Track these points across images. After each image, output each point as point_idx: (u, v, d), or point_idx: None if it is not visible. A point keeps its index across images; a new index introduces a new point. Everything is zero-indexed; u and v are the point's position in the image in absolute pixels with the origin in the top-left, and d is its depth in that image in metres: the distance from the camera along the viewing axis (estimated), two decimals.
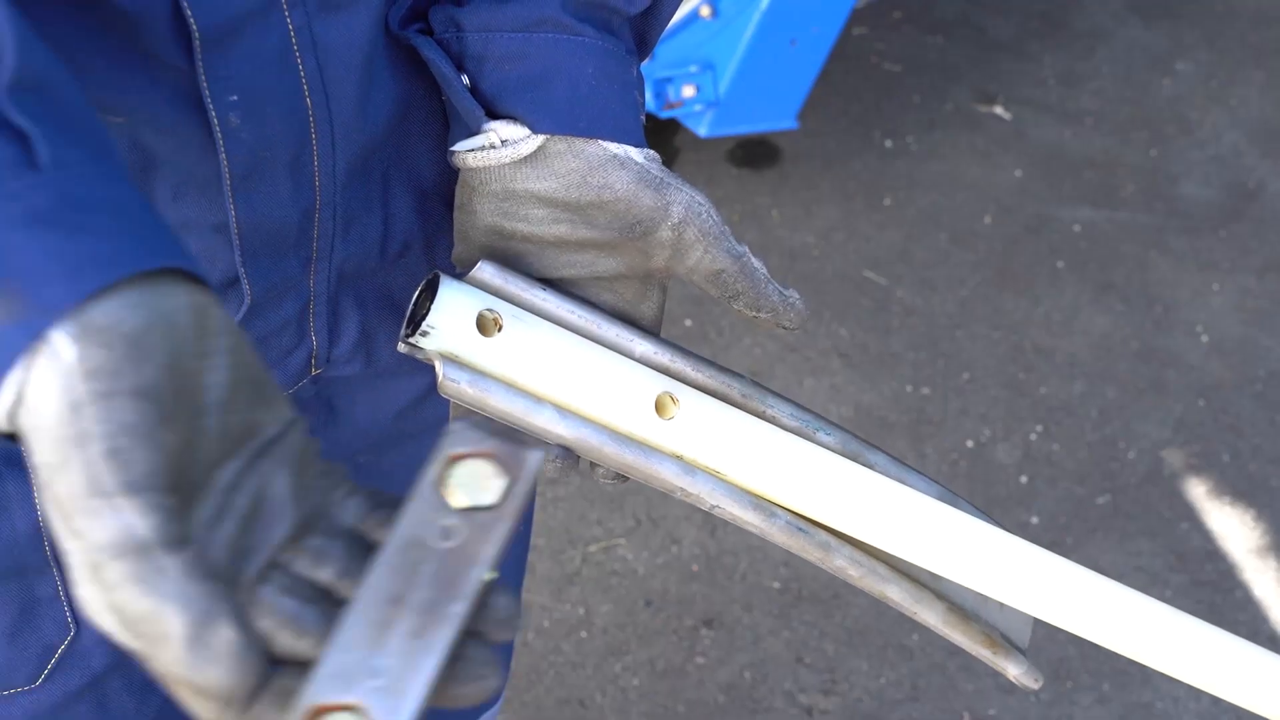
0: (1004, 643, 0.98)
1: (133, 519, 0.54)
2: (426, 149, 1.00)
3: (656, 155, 0.92)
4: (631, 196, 0.88)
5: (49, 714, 0.97)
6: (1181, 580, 2.45)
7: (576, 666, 2.28)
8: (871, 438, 2.64)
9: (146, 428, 0.55)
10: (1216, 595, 2.44)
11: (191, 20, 0.79)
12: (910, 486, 0.96)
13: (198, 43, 0.80)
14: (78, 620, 0.95)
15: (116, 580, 0.54)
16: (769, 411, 0.95)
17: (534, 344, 0.89)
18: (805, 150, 3.27)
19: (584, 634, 2.32)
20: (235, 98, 0.83)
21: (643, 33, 0.96)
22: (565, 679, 2.26)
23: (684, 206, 0.90)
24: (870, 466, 0.95)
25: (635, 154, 0.89)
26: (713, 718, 2.23)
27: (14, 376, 0.55)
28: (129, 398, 0.55)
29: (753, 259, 0.92)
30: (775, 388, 2.73)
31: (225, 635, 0.54)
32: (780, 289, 0.93)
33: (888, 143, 3.31)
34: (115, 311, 0.56)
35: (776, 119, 2.90)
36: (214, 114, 0.82)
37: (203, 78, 0.81)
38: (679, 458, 0.91)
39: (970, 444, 2.65)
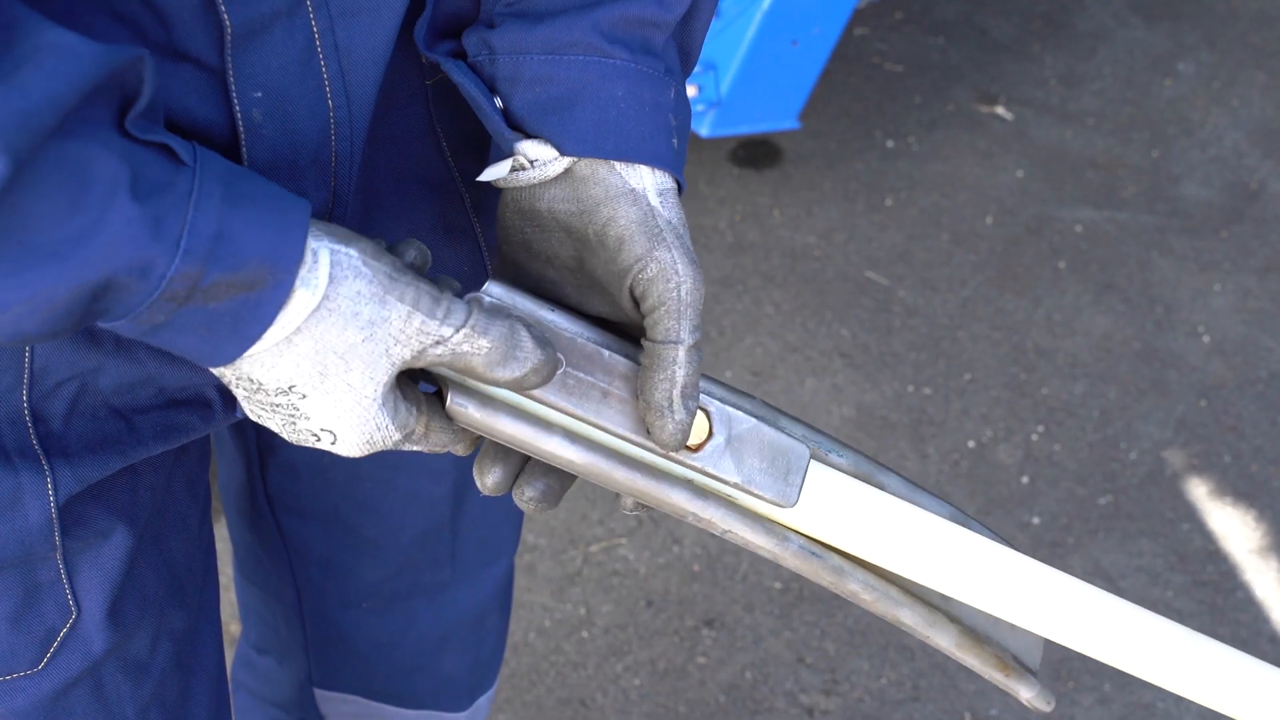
0: (1016, 665, 0.97)
1: (462, 304, 0.82)
2: (405, 131, 1.01)
3: (676, 188, 0.90)
4: (628, 237, 0.87)
5: (49, 701, 0.98)
6: (1182, 581, 2.45)
7: (578, 666, 2.28)
8: (873, 438, 2.65)
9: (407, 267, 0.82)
10: (1218, 596, 2.44)
11: (225, 15, 0.82)
12: (922, 508, 0.95)
13: (229, 38, 0.83)
14: (79, 603, 0.96)
15: (485, 325, 0.82)
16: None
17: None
18: (807, 150, 3.27)
19: (585, 634, 2.32)
20: (260, 94, 0.86)
21: (685, 44, 0.95)
22: (566, 679, 2.26)
23: (660, 266, 0.87)
24: (881, 487, 0.94)
25: (653, 194, 0.88)
26: (714, 718, 2.23)
27: (298, 301, 0.77)
28: (394, 256, 0.82)
29: (693, 364, 0.87)
30: (776, 387, 2.73)
31: (534, 329, 0.85)
32: (682, 408, 0.87)
33: (889, 143, 3.31)
34: (343, 232, 0.80)
35: (778, 119, 2.90)
36: (239, 109, 0.85)
37: (230, 73, 0.84)
38: (690, 483, 0.90)
39: (972, 444, 2.65)
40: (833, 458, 0.94)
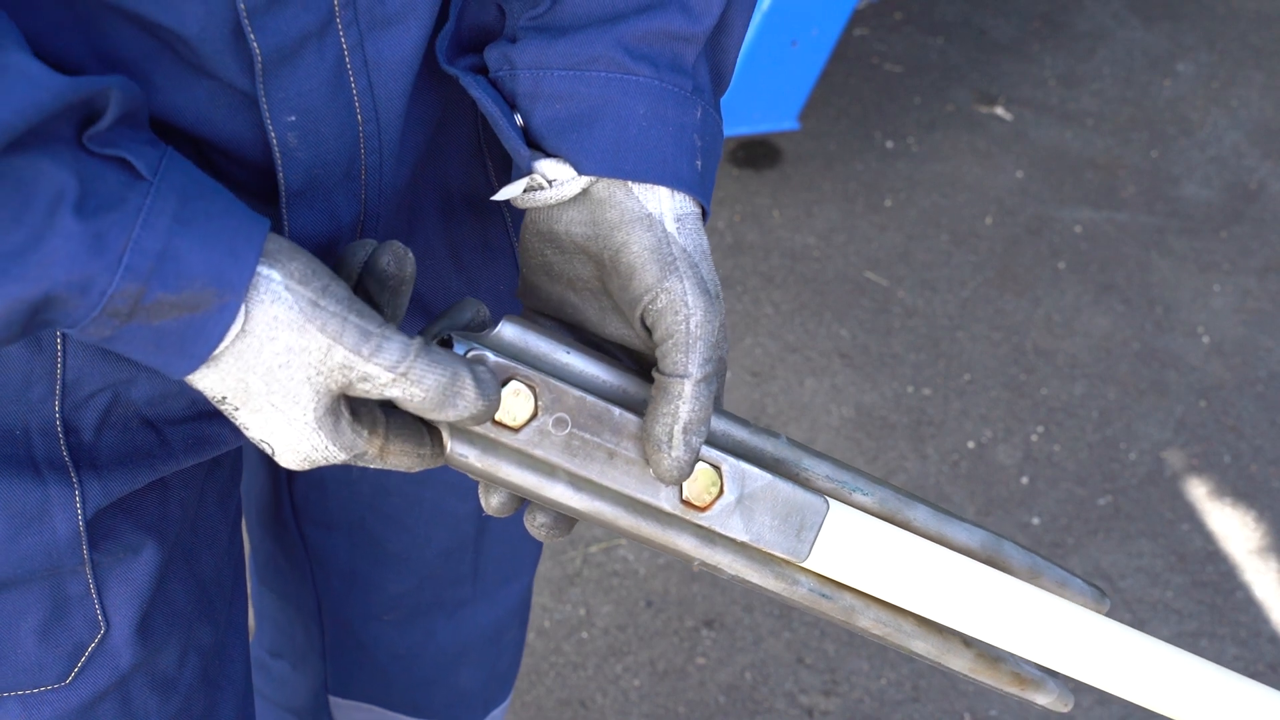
0: (1033, 675, 0.96)
1: (401, 338, 0.78)
2: (454, 150, 1.00)
3: (699, 212, 0.87)
4: (639, 266, 0.85)
5: (76, 715, 0.97)
6: (1182, 581, 2.45)
7: (577, 667, 2.28)
8: (872, 439, 2.65)
9: (348, 291, 0.78)
10: (1217, 596, 2.44)
11: (254, 44, 0.81)
12: (951, 540, 0.93)
13: (259, 66, 0.81)
14: (108, 618, 0.96)
15: (421, 373, 0.78)
16: (803, 473, 0.91)
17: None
18: (806, 151, 3.27)
19: (585, 635, 2.32)
20: (293, 118, 0.84)
21: (717, 62, 0.92)
22: (566, 680, 2.26)
23: (670, 298, 0.84)
24: (909, 522, 0.93)
25: (669, 219, 0.85)
26: (714, 718, 2.23)
27: (235, 327, 0.76)
28: (332, 280, 0.78)
29: (700, 400, 0.84)
30: (776, 388, 2.74)
31: (481, 371, 0.81)
32: (682, 444, 0.84)
33: (889, 143, 3.31)
34: (278, 247, 0.77)
35: (778, 120, 2.90)
36: (273, 134, 0.84)
37: (263, 100, 0.83)
38: (698, 528, 0.88)
39: (971, 445, 2.65)
40: (857, 496, 0.92)
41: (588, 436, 0.85)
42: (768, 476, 0.88)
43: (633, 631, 2.33)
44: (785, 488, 0.88)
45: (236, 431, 0.97)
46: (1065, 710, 0.98)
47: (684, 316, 0.83)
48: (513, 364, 0.84)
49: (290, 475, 1.28)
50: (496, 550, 1.32)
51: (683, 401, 0.83)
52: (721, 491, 0.87)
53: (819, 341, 2.83)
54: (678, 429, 0.83)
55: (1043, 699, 0.97)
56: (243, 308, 0.76)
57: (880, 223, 3.10)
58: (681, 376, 0.83)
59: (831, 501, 0.90)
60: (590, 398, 0.85)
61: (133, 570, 0.96)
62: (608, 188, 0.86)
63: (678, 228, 0.85)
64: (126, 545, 0.95)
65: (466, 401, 0.79)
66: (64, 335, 0.87)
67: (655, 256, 0.84)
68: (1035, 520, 2.53)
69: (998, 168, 3.26)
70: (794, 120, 2.91)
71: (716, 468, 0.87)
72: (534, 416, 0.85)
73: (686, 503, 0.87)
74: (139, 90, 0.76)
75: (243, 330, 0.76)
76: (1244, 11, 3.80)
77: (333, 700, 1.41)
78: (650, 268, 0.84)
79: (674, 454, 0.84)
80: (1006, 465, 2.62)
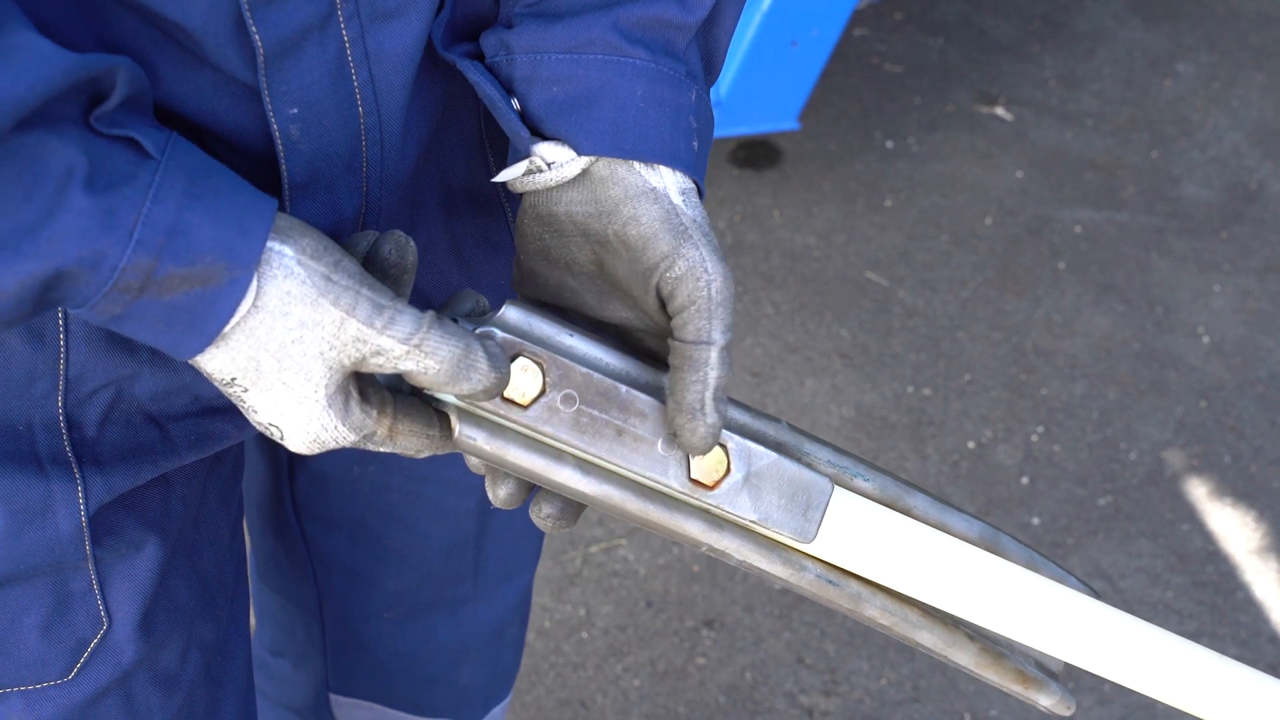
0: (1036, 674, 0.96)
1: (413, 311, 0.79)
2: (457, 144, 1.00)
3: (696, 190, 0.88)
4: (651, 236, 0.85)
5: (78, 711, 0.97)
6: (1182, 581, 2.45)
7: (577, 667, 2.28)
8: (872, 439, 2.65)
9: (359, 267, 0.79)
10: (1217, 597, 2.44)
11: (256, 37, 0.81)
12: (951, 530, 0.94)
13: (261, 59, 0.82)
14: (110, 614, 0.96)
15: (435, 345, 0.78)
16: (805, 457, 0.91)
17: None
18: (806, 151, 3.27)
19: (585, 635, 2.32)
20: (295, 110, 0.85)
21: (708, 50, 0.93)
22: (566, 680, 2.26)
23: (688, 264, 0.84)
24: (909, 510, 0.93)
25: (674, 192, 0.86)
26: (714, 718, 2.23)
27: (247, 300, 0.76)
28: (343, 256, 0.79)
29: (725, 366, 0.84)
30: (776, 388, 2.74)
31: (491, 345, 0.82)
32: (714, 410, 0.84)
33: (889, 144, 3.31)
34: (288, 224, 0.78)
35: (778, 120, 2.90)
36: (276, 127, 0.85)
37: (265, 92, 0.84)
38: (705, 513, 0.88)
39: (971, 445, 2.65)
40: (858, 482, 0.92)
41: (596, 413, 0.86)
42: (773, 455, 0.88)
43: (633, 631, 2.33)
44: (791, 467, 0.88)
45: (239, 426, 0.97)
46: (1067, 713, 0.97)
47: (705, 282, 0.83)
48: (520, 341, 0.85)
49: (292, 473, 1.29)
50: (497, 547, 1.32)
51: (710, 368, 0.83)
52: (729, 470, 0.87)
53: (819, 341, 2.82)
54: (708, 395, 0.83)
55: (1045, 700, 0.96)
56: (254, 284, 0.76)
57: (880, 223, 3.10)
58: (707, 343, 0.83)
59: (837, 474, 0.90)
60: (597, 375, 0.86)
61: (135, 566, 0.96)
62: (608, 166, 0.86)
63: (683, 200, 0.86)
64: (129, 541, 0.95)
65: (480, 374, 0.80)
66: (67, 330, 0.88)
67: (667, 226, 0.85)
68: (1035, 520, 2.53)
69: (998, 168, 3.26)
70: (794, 120, 2.91)
71: (723, 445, 0.88)
72: (542, 393, 0.85)
73: (695, 481, 0.87)
74: (144, 75, 0.76)
75: (254, 306, 0.77)
76: (1244, 11, 3.80)
77: (334, 698, 1.41)
78: (664, 236, 0.84)
79: (708, 420, 0.83)
80: (1007, 465, 2.62)
